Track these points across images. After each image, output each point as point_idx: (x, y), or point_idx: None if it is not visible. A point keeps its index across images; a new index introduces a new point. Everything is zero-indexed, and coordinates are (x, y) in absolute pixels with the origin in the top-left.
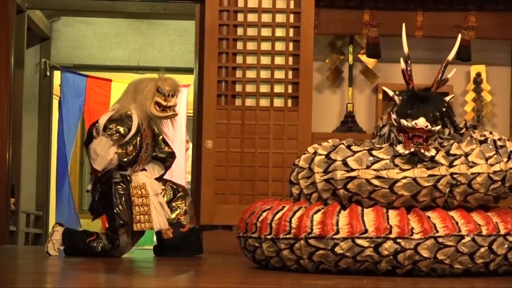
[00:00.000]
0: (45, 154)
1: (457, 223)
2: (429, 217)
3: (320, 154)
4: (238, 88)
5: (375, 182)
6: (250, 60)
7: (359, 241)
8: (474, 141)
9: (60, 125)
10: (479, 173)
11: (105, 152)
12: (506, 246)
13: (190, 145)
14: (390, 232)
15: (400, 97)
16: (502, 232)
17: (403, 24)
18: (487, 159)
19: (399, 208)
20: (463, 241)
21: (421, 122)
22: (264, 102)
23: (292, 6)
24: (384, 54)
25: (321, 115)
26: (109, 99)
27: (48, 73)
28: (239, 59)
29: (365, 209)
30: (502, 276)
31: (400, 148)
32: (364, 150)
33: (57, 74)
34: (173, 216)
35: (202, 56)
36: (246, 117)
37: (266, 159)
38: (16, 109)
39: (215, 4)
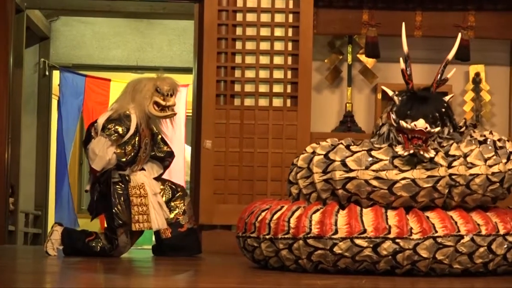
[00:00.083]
0: (44, 154)
1: (456, 223)
2: (428, 217)
3: (319, 154)
4: (237, 87)
5: (374, 183)
6: (249, 59)
7: (358, 241)
8: (473, 142)
9: (59, 124)
10: (477, 174)
11: (103, 152)
12: (505, 246)
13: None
14: (389, 232)
15: (399, 97)
16: (502, 232)
17: (403, 24)
18: (486, 160)
19: (398, 208)
20: (462, 241)
21: (421, 123)
22: (263, 102)
23: (291, 6)
24: (383, 54)
25: (320, 115)
26: (108, 99)
27: (47, 73)
28: (238, 59)
29: (364, 209)
30: (501, 276)
31: (399, 150)
32: (363, 150)
33: (56, 74)
34: (172, 216)
35: (201, 56)
36: (245, 117)
37: (265, 158)
38: (15, 109)
39: (214, 3)
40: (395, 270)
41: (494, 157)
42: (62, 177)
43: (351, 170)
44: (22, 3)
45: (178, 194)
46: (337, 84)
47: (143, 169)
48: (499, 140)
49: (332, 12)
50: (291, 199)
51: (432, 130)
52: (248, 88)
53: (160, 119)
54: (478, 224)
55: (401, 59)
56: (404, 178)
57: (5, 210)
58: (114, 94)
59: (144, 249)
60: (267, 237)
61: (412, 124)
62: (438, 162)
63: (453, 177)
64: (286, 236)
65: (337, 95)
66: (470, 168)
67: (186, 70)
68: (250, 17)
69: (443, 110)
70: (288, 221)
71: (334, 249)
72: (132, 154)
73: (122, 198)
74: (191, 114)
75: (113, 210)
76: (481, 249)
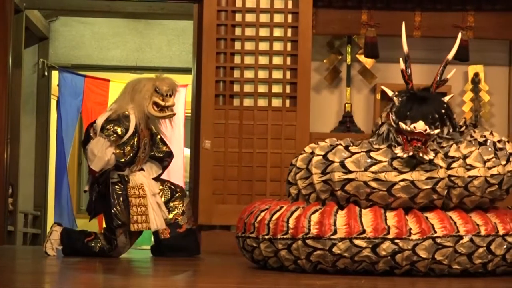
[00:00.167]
0: (43, 154)
1: (455, 223)
2: (427, 218)
3: (318, 155)
4: (236, 88)
5: (373, 184)
6: (248, 60)
7: (357, 242)
8: (473, 143)
9: (59, 125)
10: (476, 177)
11: (102, 153)
12: (504, 246)
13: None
14: (388, 233)
15: (399, 98)
16: (501, 232)
17: (403, 23)
18: (485, 162)
19: (397, 208)
20: (461, 241)
21: (420, 126)
22: (262, 102)
23: (290, 6)
24: (382, 54)
25: (319, 115)
26: (107, 99)
27: (46, 73)
28: (237, 59)
29: (363, 210)
30: (500, 276)
31: (399, 151)
32: (362, 152)
33: (55, 74)
34: (171, 216)
35: (200, 56)
36: (244, 117)
37: (264, 159)
38: (14, 109)
39: (213, 4)
40: (394, 270)
41: (494, 159)
42: (61, 177)
43: (350, 172)
44: (21, 3)
45: (177, 195)
46: (336, 84)
47: (142, 169)
48: (499, 141)
49: (331, 12)
50: (290, 200)
51: (432, 132)
52: (247, 88)
53: (159, 120)
54: (478, 225)
55: (401, 59)
56: (403, 180)
57: (4, 210)
58: (113, 95)
59: (143, 249)
60: (266, 237)
61: (412, 126)
62: (437, 163)
63: (452, 178)
64: (285, 236)
65: (336, 95)
66: (469, 170)
67: (185, 71)
68: (249, 17)
69: (443, 111)
70: (287, 222)
71: (333, 250)
72: (131, 154)
73: (121, 199)
74: (190, 114)
75: (112, 211)
76: (480, 250)
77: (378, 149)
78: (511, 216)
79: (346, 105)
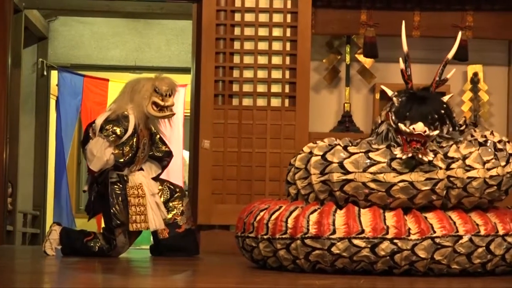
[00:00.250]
0: (42, 154)
1: (454, 223)
2: (426, 218)
3: (316, 155)
4: (235, 87)
5: (372, 185)
6: (247, 59)
7: (355, 241)
8: (473, 143)
9: (58, 124)
10: (475, 178)
11: (101, 153)
12: (504, 246)
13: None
14: (387, 233)
15: (398, 98)
16: (501, 232)
17: (403, 23)
18: (484, 163)
19: (396, 208)
20: (460, 241)
21: (419, 127)
22: (261, 102)
23: (289, 6)
24: (381, 54)
25: (318, 115)
26: (106, 99)
27: (45, 73)
28: (236, 59)
29: (361, 209)
30: (499, 276)
31: (398, 153)
32: (360, 152)
33: (54, 74)
34: (170, 216)
35: (199, 56)
36: (243, 117)
37: (263, 158)
38: (13, 109)
39: (212, 3)
40: (393, 270)
41: (493, 160)
42: (61, 177)
43: (349, 172)
44: (20, 3)
45: (176, 195)
46: (335, 84)
47: (141, 169)
48: (500, 141)
49: (330, 12)
50: (289, 199)
51: (431, 134)
52: (246, 88)
53: (158, 119)
54: (477, 225)
55: (400, 59)
56: (402, 181)
57: (3, 210)
58: (112, 94)
59: (142, 249)
60: (265, 237)
61: (411, 127)
62: (436, 164)
63: (451, 179)
64: (284, 236)
65: (335, 95)
66: (468, 171)
67: (184, 70)
68: (248, 17)
69: (442, 111)
70: (286, 221)
71: (332, 249)
72: (130, 154)
73: (120, 198)
74: (189, 114)
75: (111, 211)
76: (480, 250)
77: (377, 150)
78: (511, 216)
79: (345, 104)
